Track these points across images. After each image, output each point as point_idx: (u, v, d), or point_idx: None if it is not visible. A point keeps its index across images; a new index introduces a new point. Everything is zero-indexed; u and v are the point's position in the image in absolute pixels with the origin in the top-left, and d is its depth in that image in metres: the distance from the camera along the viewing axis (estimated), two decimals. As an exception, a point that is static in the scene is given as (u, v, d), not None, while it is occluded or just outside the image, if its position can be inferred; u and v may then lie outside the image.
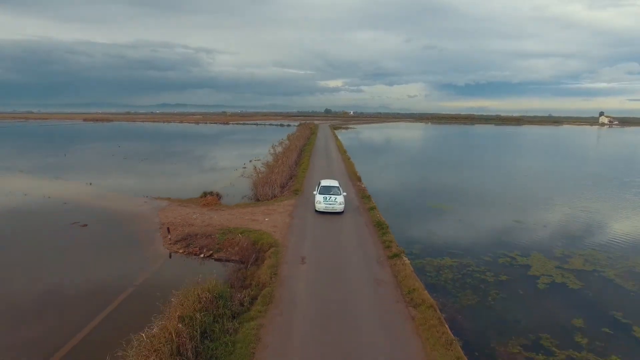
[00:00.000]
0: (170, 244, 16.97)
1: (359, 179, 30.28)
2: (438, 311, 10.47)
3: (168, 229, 17.96)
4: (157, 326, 8.75)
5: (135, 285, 13.47)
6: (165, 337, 8.18)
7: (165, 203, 24.26)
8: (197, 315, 9.23)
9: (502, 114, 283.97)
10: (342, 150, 50.81)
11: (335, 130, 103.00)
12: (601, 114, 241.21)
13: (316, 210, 19.93)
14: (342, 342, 9.10)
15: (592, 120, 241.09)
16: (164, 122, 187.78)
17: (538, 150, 70.50)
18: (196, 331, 8.85)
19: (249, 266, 13.97)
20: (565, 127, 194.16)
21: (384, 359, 8.57)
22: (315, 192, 20.97)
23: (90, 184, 30.95)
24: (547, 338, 10.56)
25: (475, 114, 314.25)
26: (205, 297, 10.13)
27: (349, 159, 42.22)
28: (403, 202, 27.26)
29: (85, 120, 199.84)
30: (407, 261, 13.95)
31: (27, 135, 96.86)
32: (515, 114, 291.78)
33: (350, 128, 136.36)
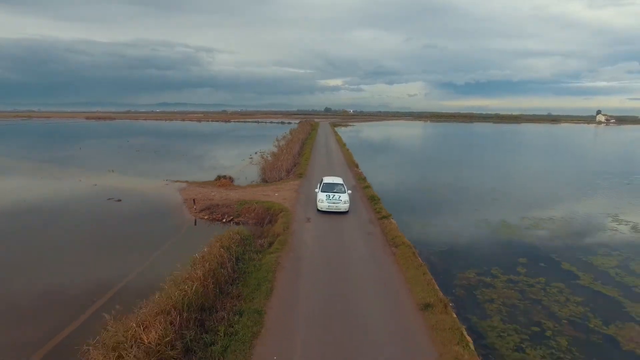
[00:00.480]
0: (196, 212, 20.21)
1: (357, 166, 33.51)
2: (413, 248, 13.69)
3: (194, 200, 21.21)
4: (204, 252, 11.98)
5: (172, 240, 16.71)
6: (212, 256, 11.41)
7: (184, 185, 27.48)
8: (232, 246, 12.48)
9: (502, 113, 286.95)
10: (341, 144, 54.09)
11: (335, 128, 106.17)
12: (598, 112, 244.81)
13: (318, 210, 18.25)
14: (340, 270, 12.25)
15: (589, 119, 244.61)
16: (166, 120, 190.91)
17: (540, 149, 73.45)
18: (232, 256, 12.08)
19: (264, 225, 17.22)
20: (563, 126, 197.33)
21: (372, 277, 11.78)
22: (317, 190, 19.16)
23: (112, 170, 34.19)
24: (496, 269, 13.84)
25: (475, 112, 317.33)
26: (236, 238, 13.37)
27: (347, 150, 45.48)
28: (395, 183, 30.48)
29: (87, 118, 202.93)
30: (394, 221, 17.19)
31: (34, 132, 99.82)
32: (515, 113, 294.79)
33: (350, 125, 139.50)
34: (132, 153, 50.00)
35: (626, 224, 20.86)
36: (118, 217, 20.23)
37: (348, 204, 18.16)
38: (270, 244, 14.31)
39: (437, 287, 10.95)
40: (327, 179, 20.00)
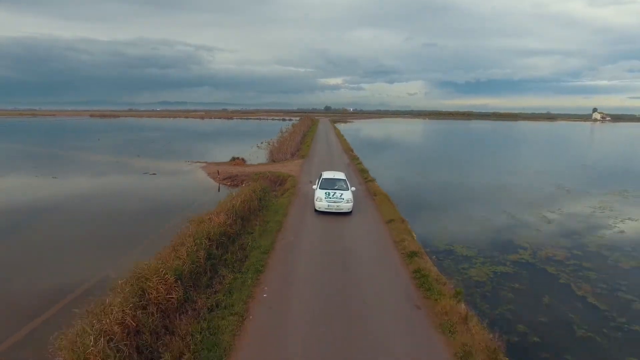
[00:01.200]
0: (220, 180, 25.27)
1: (352, 150, 38.58)
2: (387, 195, 18.75)
3: (218, 171, 26.27)
4: (239, 192, 17.03)
5: (203, 198, 21.77)
6: (244, 193, 16.47)
7: (204, 164, 32.53)
8: (257, 190, 17.54)
9: (501, 112, 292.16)
10: (339, 135, 59.20)
11: (334, 124, 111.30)
12: (594, 110, 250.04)
13: (316, 210, 15.60)
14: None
15: (586, 117, 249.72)
16: (169, 117, 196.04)
17: (537, 146, 78.52)
18: (257, 195, 17.13)
19: (276, 186, 22.26)
20: (560, 123, 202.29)
21: (359, 208, 16.75)
22: (315, 187, 16.61)
23: (139, 155, 39.27)
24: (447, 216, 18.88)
25: (473, 111, 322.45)
26: (258, 188, 18.43)
27: (344, 139, 50.57)
28: (381, 162, 35.53)
29: (91, 116, 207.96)
30: (376, 183, 22.23)
31: (45, 129, 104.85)
32: (515, 112, 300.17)
33: (349, 122, 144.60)
34: (148, 144, 55.05)
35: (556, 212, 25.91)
36: (156, 185, 25.29)
37: (351, 204, 15.41)
38: (283, 193, 19.37)
39: (398, 211, 16.03)
40: (327, 174, 17.39)
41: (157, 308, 7.70)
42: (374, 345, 7.32)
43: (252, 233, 13.07)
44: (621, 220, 19.02)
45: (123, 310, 7.00)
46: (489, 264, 13.25)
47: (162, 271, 8.36)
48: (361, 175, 24.92)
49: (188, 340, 7.07)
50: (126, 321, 6.85)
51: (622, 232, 17.34)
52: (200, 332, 7.36)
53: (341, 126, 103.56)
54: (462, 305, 8.41)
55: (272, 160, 33.74)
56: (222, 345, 7.14)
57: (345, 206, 15.31)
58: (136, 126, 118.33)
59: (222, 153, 43.30)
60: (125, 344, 6.43)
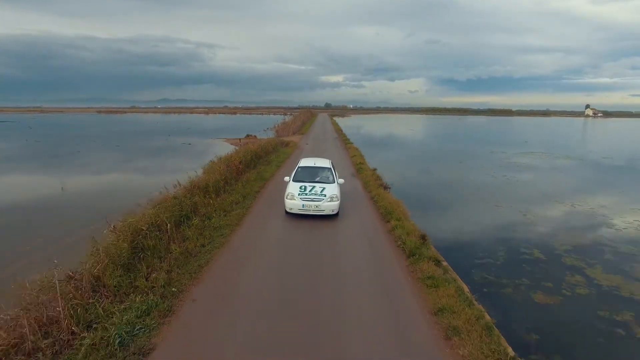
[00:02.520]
0: (241, 145, 35.16)
1: (341, 130, 48.50)
2: (360, 152, 28.53)
3: (240, 139, 36.12)
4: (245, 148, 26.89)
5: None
6: (250, 149, 26.31)
7: (223, 140, 42.38)
8: (271, 142, 27.42)
9: (495, 108, 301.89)
10: (334, 123, 69.19)
11: (332, 117, 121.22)
12: (587, 107, 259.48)
13: (287, 212, 11.53)
14: (321, 150, 27.05)
15: (579, 113, 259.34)
16: (174, 113, 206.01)
17: (506, 132, 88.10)
18: (270, 146, 26.97)
19: (282, 146, 32.09)
20: (552, 119, 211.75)
21: (334, 152, 26.50)
22: (287, 179, 12.55)
23: (169, 135, 49.14)
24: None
25: (470, 108, 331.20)
26: (273, 141, 28.29)
27: (337, 126, 60.51)
28: (363, 140, 45.33)
29: (99, 112, 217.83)
30: (353, 145, 32.03)
31: (62, 125, 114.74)
32: (514, 109, 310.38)
33: (346, 116, 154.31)
34: (170, 130, 64.92)
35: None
36: (195, 149, 35.18)
37: (337, 203, 11.32)
38: (287, 147, 29.25)
39: (365, 160, 25.82)
40: (305, 162, 13.39)
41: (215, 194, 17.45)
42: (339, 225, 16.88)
43: (271, 155, 22.89)
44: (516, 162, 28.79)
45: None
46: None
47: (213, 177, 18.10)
48: (344, 143, 34.78)
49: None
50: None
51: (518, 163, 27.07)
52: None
53: (338, 119, 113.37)
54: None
55: (278, 136, 43.54)
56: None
57: (328, 206, 11.11)
58: (145, 122, 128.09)
59: (237, 134, 53.21)
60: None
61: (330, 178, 12.33)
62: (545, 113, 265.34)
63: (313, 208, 11.12)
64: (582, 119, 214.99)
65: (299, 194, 11.24)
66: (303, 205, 11.12)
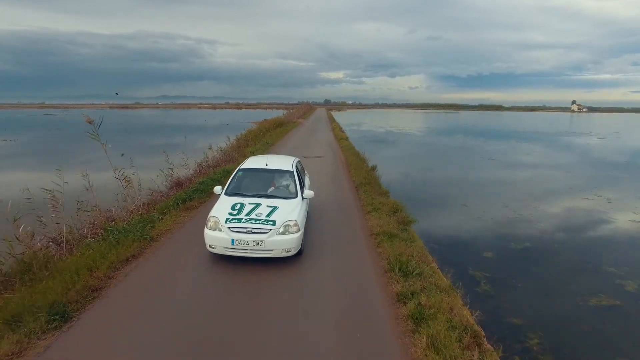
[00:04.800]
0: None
1: (333, 119, 67.23)
2: (341, 127, 47.13)
3: (265, 119, 54.89)
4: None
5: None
6: (275, 120, 45.01)
7: (251, 122, 61.05)
8: (282, 120, 46.20)
9: (487, 104, 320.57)
10: (328, 113, 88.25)
11: (329, 111, 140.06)
12: (573, 102, 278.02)
13: (210, 247, 6.71)
14: (315, 128, 45.60)
15: (565, 109, 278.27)
16: (183, 108, 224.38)
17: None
18: (284, 122, 45.64)
19: (291, 123, 50.84)
20: (539, 113, 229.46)
21: (323, 127, 45.03)
22: (220, 191, 7.74)
23: (205, 120, 67.63)
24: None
25: (465, 104, 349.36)
26: (285, 118, 47.04)
27: (331, 115, 79.35)
28: (346, 122, 63.88)
29: (111, 108, 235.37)
30: (338, 125, 50.65)
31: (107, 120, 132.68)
32: (498, 104, 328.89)
33: (342, 111, 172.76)
34: (200, 120, 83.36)
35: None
36: (235, 128, 53.79)
37: (297, 235, 6.62)
38: (294, 123, 47.97)
39: (345, 133, 44.34)
40: (254, 161, 8.73)
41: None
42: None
43: (287, 125, 41.52)
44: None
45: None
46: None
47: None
48: (332, 125, 53.48)
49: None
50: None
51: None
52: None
53: (334, 112, 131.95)
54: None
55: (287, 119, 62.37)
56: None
57: (277, 243, 6.45)
58: (168, 116, 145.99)
59: (254, 120, 71.65)
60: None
61: (291, 188, 7.71)
62: (534, 109, 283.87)
63: (251, 246, 6.37)
64: (567, 114, 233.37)
65: (227, 220, 6.52)
66: (233, 241, 6.36)
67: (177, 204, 10.09)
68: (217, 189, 7.89)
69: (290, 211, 6.90)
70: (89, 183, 8.48)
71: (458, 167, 24.34)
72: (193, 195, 10.91)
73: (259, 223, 6.54)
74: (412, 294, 5.61)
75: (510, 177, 20.87)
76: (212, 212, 6.91)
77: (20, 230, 6.49)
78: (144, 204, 9.83)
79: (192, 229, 8.43)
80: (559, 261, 9.68)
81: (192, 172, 14.03)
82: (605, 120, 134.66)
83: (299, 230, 6.68)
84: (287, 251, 6.55)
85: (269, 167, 8.29)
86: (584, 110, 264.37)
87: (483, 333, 5.02)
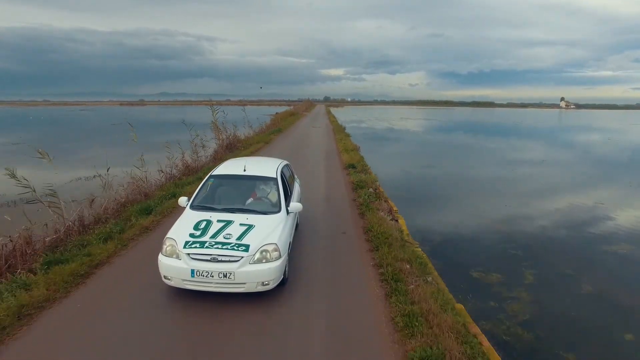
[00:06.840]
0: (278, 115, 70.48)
1: (330, 113, 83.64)
2: (335, 119, 63.55)
3: (277, 113, 71.30)
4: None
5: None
6: (288, 111, 61.46)
7: (267, 115, 77.49)
8: (292, 111, 62.72)
9: (479, 101, 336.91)
10: (327, 109, 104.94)
11: (328, 107, 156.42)
12: (562, 99, 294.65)
13: (165, 279, 5.30)
14: (314, 117, 61.82)
15: (553, 105, 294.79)
16: (189, 105, 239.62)
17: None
18: (295, 112, 62.07)
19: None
20: (528, 110, 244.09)
21: (322, 113, 61.26)
22: (186, 203, 6.23)
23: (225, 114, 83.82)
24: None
25: (463, 101, 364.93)
26: (294, 110, 63.53)
27: (329, 110, 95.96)
28: (345, 118, 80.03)
29: (121, 105, 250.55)
30: (333, 118, 67.07)
31: (103, 117, 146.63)
32: (491, 101, 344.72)
33: (341, 107, 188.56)
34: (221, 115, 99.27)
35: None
36: (258, 116, 70.18)
37: (278, 264, 5.20)
38: (299, 115, 64.40)
39: (336, 119, 60.60)
40: (228, 166, 7.38)
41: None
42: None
43: (297, 115, 57.87)
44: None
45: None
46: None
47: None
48: (329, 116, 69.78)
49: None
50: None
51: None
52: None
53: (332, 108, 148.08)
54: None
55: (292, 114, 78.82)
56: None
57: (249, 274, 5.09)
58: (180, 111, 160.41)
59: (265, 116, 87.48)
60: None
61: (273, 199, 6.40)
62: (524, 106, 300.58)
63: (217, 279, 5.02)
64: (557, 110, 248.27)
65: (187, 244, 5.23)
66: (193, 272, 5.05)
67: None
68: (182, 200, 6.29)
69: (270, 232, 5.46)
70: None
71: (424, 153, 39.21)
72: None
73: (227, 248, 5.08)
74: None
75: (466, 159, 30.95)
76: (170, 233, 5.47)
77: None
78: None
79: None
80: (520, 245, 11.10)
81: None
82: (585, 116, 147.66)
83: (280, 256, 5.22)
84: (265, 284, 5.10)
85: (247, 173, 6.71)
86: (572, 106, 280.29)
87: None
